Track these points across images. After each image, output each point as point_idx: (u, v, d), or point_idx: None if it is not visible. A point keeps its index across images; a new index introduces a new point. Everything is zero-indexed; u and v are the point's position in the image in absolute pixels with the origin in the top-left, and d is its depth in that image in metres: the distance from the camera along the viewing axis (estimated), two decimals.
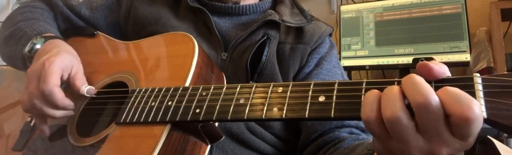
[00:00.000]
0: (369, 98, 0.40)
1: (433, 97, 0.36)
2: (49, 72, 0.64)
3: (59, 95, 0.64)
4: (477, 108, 0.35)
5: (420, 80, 0.38)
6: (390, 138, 0.40)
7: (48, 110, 0.65)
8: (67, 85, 0.71)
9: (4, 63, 0.89)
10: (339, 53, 1.82)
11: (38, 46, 0.73)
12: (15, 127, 0.77)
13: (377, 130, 0.39)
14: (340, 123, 0.75)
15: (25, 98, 0.65)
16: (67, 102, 0.65)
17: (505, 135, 1.14)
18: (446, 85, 0.38)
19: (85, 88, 0.67)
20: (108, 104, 0.71)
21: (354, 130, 0.75)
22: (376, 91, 0.41)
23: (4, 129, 0.79)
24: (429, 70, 0.40)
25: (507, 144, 1.41)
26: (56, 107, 0.64)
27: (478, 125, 0.36)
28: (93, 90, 0.69)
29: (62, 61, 0.67)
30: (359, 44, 1.80)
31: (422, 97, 0.36)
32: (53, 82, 0.63)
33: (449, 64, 1.61)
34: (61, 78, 0.67)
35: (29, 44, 0.74)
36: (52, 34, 0.78)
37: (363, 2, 1.97)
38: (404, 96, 0.38)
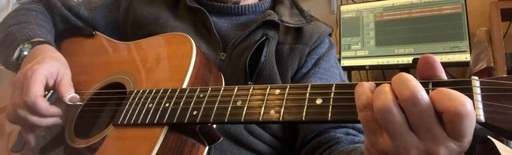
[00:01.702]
0: (361, 88, 0.41)
1: (421, 92, 0.36)
2: (31, 82, 0.63)
3: (43, 105, 0.62)
4: (469, 103, 0.35)
5: (408, 77, 0.38)
6: (382, 133, 0.39)
7: (33, 120, 0.63)
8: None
9: None
10: (339, 53, 1.82)
11: (25, 53, 0.72)
12: (14, 128, 0.76)
13: (374, 118, 0.39)
14: (336, 123, 0.75)
15: (10, 109, 0.64)
16: (52, 110, 0.64)
17: None
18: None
19: (68, 96, 0.66)
20: (105, 105, 0.70)
21: (351, 131, 0.75)
22: (362, 83, 0.41)
23: (3, 130, 0.79)
24: (433, 62, 0.40)
25: (507, 144, 1.41)
26: (42, 116, 0.64)
27: (470, 121, 0.36)
28: (76, 98, 0.67)
29: (46, 68, 0.66)
30: (359, 44, 1.80)
31: (408, 90, 0.37)
32: (35, 92, 0.62)
33: (449, 64, 1.61)
34: (47, 85, 0.66)
35: (17, 51, 0.73)
36: (41, 39, 0.77)
37: (363, 2, 1.97)
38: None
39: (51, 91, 0.68)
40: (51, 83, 0.67)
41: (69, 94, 0.66)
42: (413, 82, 0.37)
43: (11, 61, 0.74)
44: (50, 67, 0.67)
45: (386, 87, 0.39)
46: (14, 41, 0.77)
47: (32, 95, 0.62)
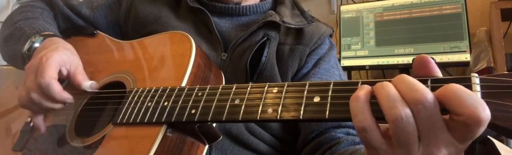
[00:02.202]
0: (357, 106, 0.39)
1: (430, 93, 0.36)
2: (47, 66, 0.63)
3: (57, 88, 0.63)
4: (488, 109, 0.34)
5: (413, 78, 0.38)
6: (390, 146, 0.38)
7: (46, 103, 0.64)
8: (68, 82, 0.71)
9: (4, 63, 0.89)
10: (339, 53, 1.82)
11: (36, 45, 0.73)
12: (16, 127, 0.76)
13: (377, 138, 0.38)
14: (336, 123, 0.75)
15: (23, 93, 0.65)
16: (65, 95, 0.64)
17: None
18: (443, 85, 0.37)
19: (88, 83, 0.67)
20: (105, 104, 0.70)
21: (351, 131, 0.74)
22: (357, 97, 0.39)
23: (5, 130, 0.79)
24: (427, 62, 0.40)
25: (507, 144, 1.40)
26: (54, 100, 0.64)
27: (485, 126, 0.34)
28: (96, 84, 0.68)
29: (60, 56, 0.66)
30: (359, 44, 1.80)
31: (420, 93, 0.36)
32: (50, 75, 0.63)
33: (449, 64, 1.61)
34: (61, 73, 0.66)
35: (28, 42, 0.74)
36: (51, 33, 0.77)
37: (363, 2, 1.97)
38: None
39: (64, 83, 0.69)
40: (64, 71, 0.67)
41: (88, 81, 0.67)
42: (420, 83, 0.37)
43: (21, 53, 0.74)
44: (63, 55, 0.67)
45: (392, 88, 0.38)
46: (23, 35, 0.77)
47: (47, 77, 0.62)
